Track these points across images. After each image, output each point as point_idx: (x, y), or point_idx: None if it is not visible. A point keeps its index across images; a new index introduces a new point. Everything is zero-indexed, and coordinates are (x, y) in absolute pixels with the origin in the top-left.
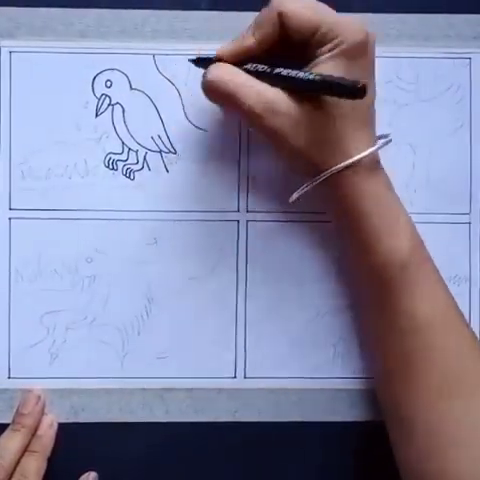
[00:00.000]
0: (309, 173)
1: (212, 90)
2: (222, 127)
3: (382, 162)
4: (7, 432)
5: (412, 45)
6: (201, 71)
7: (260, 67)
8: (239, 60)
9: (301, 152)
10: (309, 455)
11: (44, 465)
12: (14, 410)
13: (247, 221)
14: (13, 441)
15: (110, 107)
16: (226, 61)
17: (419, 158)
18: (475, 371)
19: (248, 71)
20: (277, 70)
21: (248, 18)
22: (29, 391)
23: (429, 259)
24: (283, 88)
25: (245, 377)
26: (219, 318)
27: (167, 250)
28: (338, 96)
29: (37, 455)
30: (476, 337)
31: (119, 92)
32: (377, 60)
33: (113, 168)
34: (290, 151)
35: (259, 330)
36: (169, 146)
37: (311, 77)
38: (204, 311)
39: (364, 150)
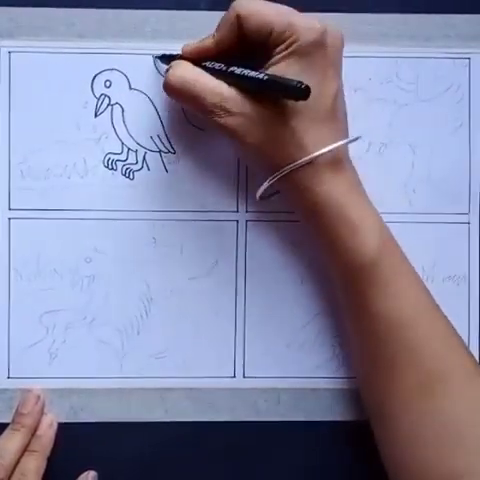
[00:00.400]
0: (270, 171)
1: (170, 87)
2: None
3: (381, 163)
4: (7, 432)
5: (412, 45)
6: None
7: (217, 65)
8: (199, 59)
9: (258, 150)
10: (309, 455)
11: (44, 465)
12: (14, 410)
13: (246, 221)
14: (13, 441)
15: (109, 107)
16: (188, 59)
17: (419, 158)
18: (452, 367)
19: (206, 68)
20: (231, 69)
21: None
22: (29, 391)
23: (400, 256)
24: (238, 87)
25: (244, 377)
26: (218, 318)
27: (166, 250)
28: (283, 96)
29: (37, 455)
30: (452, 329)
31: (118, 92)
32: (377, 60)
33: (112, 168)
34: (248, 149)
35: (258, 330)
36: (168, 146)
37: (259, 76)
38: (203, 311)
39: (323, 147)
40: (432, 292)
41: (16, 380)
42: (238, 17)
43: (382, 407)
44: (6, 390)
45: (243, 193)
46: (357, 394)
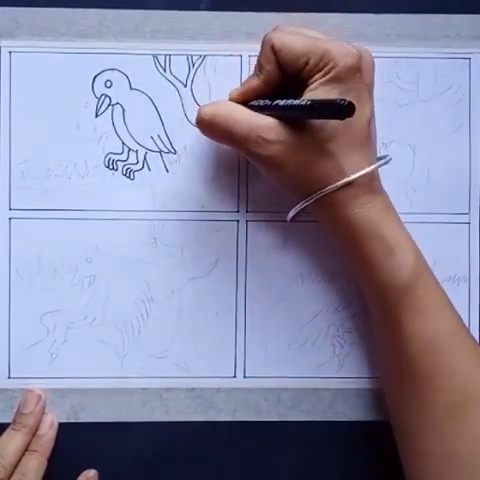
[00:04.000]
0: (305, 194)
1: (205, 124)
2: None
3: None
4: (8, 432)
5: (412, 45)
6: None
7: (261, 102)
8: (249, 100)
9: (295, 176)
10: (309, 454)
11: (44, 465)
12: (14, 410)
13: (247, 221)
14: (14, 441)
15: (110, 107)
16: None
17: (419, 158)
18: None
19: (252, 107)
20: (275, 102)
21: (248, 18)
22: (30, 391)
23: (433, 279)
24: (280, 118)
25: (245, 377)
26: (219, 318)
27: (167, 250)
28: (327, 118)
29: (37, 455)
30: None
31: (119, 92)
32: (377, 60)
33: (113, 168)
34: (285, 177)
35: (259, 330)
36: (169, 146)
37: (299, 103)
38: (204, 311)
39: (360, 169)
40: None
41: (17, 380)
42: (272, 49)
43: (413, 429)
44: (7, 390)
45: (243, 193)
46: (357, 394)
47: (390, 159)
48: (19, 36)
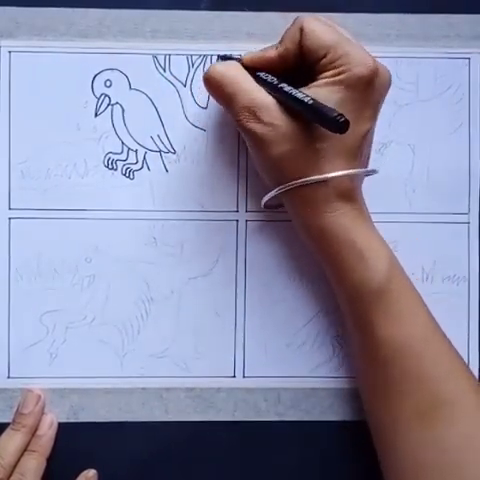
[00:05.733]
0: (281, 182)
1: (211, 84)
2: (221, 127)
3: (381, 162)
4: (7, 432)
5: (412, 45)
6: None
7: (269, 78)
8: (258, 68)
9: (277, 162)
10: (308, 454)
11: (43, 465)
12: (14, 410)
13: (246, 221)
14: (13, 441)
15: (110, 107)
16: (246, 67)
17: (418, 158)
18: (456, 394)
19: (258, 77)
20: (281, 85)
21: (248, 18)
22: (29, 391)
23: (408, 284)
24: (279, 100)
25: (244, 376)
26: (218, 317)
27: (166, 250)
28: (319, 123)
29: (36, 455)
30: (457, 355)
31: (119, 92)
32: (377, 60)
33: (113, 168)
34: (267, 159)
35: (258, 329)
36: (169, 146)
37: (301, 97)
38: (203, 311)
39: (337, 172)
40: (432, 292)
41: (16, 380)
42: (301, 31)
43: (385, 432)
44: (6, 390)
45: (243, 193)
46: (357, 394)
47: (376, 172)
48: (19, 36)
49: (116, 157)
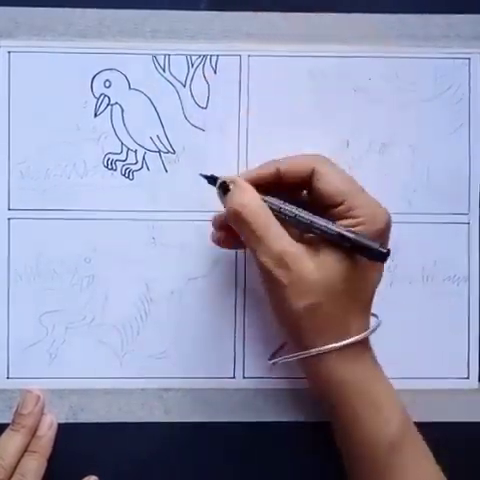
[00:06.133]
0: (298, 341)
1: (238, 219)
2: (221, 127)
3: (381, 163)
4: (7, 432)
5: (412, 45)
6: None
7: (286, 209)
8: (257, 185)
9: (299, 315)
10: (308, 455)
11: (43, 465)
12: (13, 410)
13: None
14: (13, 441)
15: (109, 107)
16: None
17: (418, 158)
18: None
19: (271, 206)
20: (300, 215)
21: (248, 18)
22: (29, 391)
23: (417, 439)
24: (302, 234)
25: (244, 377)
26: (218, 318)
27: (166, 250)
28: (360, 254)
29: (36, 455)
30: None
31: (118, 92)
32: (377, 60)
33: (112, 168)
34: (288, 310)
35: (258, 330)
36: (168, 146)
37: (338, 230)
38: (203, 311)
39: (355, 335)
40: (432, 292)
41: (16, 380)
42: (313, 172)
43: None
44: (6, 390)
45: None
46: None
47: (380, 322)
48: (18, 36)
49: (115, 157)
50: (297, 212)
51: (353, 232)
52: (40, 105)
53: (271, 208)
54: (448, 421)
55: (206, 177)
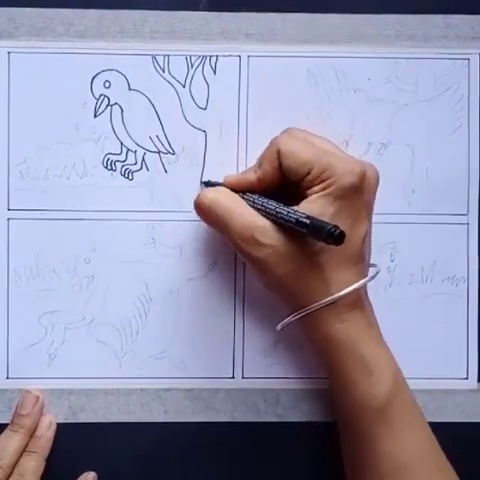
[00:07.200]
0: (291, 304)
1: (203, 210)
2: (220, 128)
3: (380, 163)
4: (5, 432)
5: (411, 45)
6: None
7: (258, 199)
8: (241, 190)
9: (284, 282)
10: (308, 455)
11: (42, 465)
12: (12, 410)
13: None
14: (12, 441)
15: (109, 108)
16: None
17: (418, 158)
18: None
19: (245, 199)
20: (269, 204)
21: (247, 18)
22: (28, 392)
23: (409, 397)
24: (273, 221)
25: (243, 377)
26: (217, 318)
27: (165, 250)
28: (315, 238)
29: (35, 456)
30: (455, 477)
31: (118, 93)
32: (377, 60)
33: (111, 168)
34: (272, 281)
35: (257, 330)
36: (167, 146)
37: (292, 216)
38: (202, 311)
39: (347, 286)
40: (432, 293)
41: (15, 380)
42: (278, 153)
43: None
44: (5, 391)
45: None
46: None
47: (378, 272)
48: (18, 36)
49: (115, 158)
50: (265, 203)
51: (309, 217)
52: (40, 106)
53: (253, 205)
54: (447, 421)
55: (205, 183)
